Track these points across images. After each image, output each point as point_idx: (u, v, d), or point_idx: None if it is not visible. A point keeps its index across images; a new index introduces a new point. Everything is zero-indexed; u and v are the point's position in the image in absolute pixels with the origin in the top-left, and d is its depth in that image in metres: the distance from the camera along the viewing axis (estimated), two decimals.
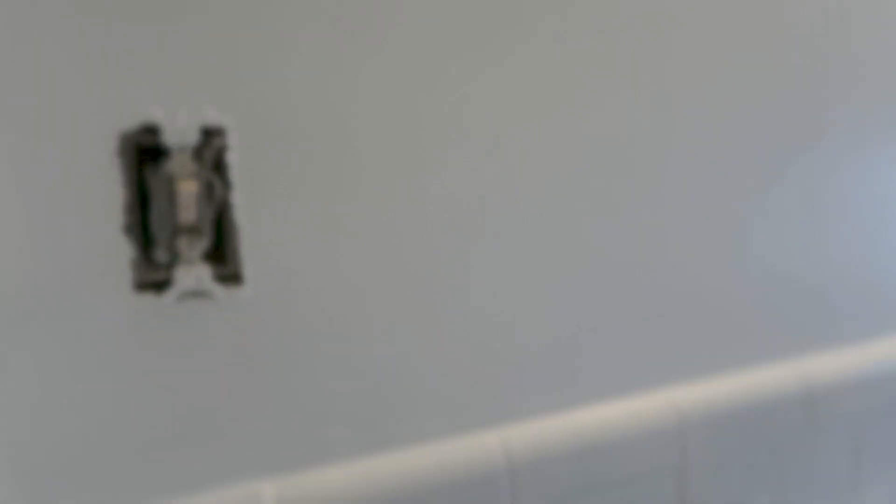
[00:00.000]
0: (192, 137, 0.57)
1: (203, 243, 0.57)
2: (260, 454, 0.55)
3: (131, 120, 0.55)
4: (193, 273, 0.56)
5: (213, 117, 0.57)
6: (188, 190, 0.55)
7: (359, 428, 0.59)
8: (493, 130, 0.67)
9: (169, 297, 0.55)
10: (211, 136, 0.57)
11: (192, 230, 0.56)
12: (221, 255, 0.58)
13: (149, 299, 0.56)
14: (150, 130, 0.56)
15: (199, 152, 0.57)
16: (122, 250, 0.56)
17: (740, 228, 0.78)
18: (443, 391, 0.62)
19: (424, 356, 0.61)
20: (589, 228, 0.69)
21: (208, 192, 0.57)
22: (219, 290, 0.57)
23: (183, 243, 0.56)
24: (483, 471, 0.57)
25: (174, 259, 0.56)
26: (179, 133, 0.56)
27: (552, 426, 0.62)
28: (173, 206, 0.56)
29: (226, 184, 0.58)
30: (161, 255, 0.56)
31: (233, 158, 0.58)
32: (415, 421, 0.60)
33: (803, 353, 0.81)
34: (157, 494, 0.52)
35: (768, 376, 0.75)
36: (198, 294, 0.57)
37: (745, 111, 0.79)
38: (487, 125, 0.66)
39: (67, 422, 0.50)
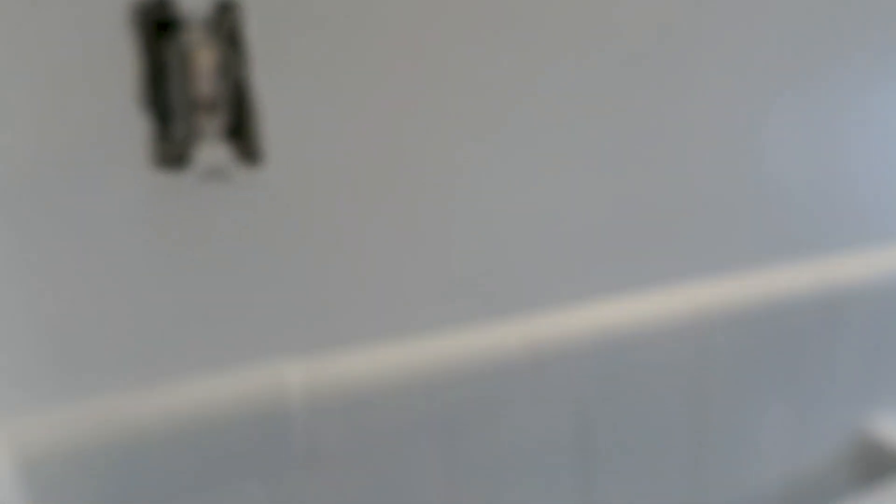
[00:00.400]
0: (207, 9, 0.55)
1: (221, 119, 0.55)
2: (284, 336, 0.55)
3: None
4: (212, 150, 0.55)
5: None
6: (204, 61, 0.54)
7: (381, 313, 0.58)
8: (510, 15, 0.64)
9: (188, 174, 0.54)
10: (226, 10, 0.55)
11: (210, 105, 0.55)
12: (240, 133, 0.57)
13: (167, 177, 0.54)
14: (164, 2, 0.54)
15: (214, 26, 0.55)
16: (138, 126, 0.55)
17: (766, 126, 0.76)
18: (466, 281, 0.61)
19: (446, 243, 0.60)
20: (612, 121, 0.68)
21: (225, 65, 0.55)
22: (238, 169, 0.56)
23: (201, 118, 0.55)
24: (505, 360, 0.57)
25: (192, 135, 0.55)
26: (194, 4, 0.54)
27: (572, 319, 0.61)
28: (189, 79, 0.54)
29: (242, 58, 0.56)
30: (178, 130, 0.55)
31: (249, 33, 0.56)
32: (439, 309, 0.60)
33: (825, 255, 0.80)
34: (180, 372, 0.52)
35: (789, 277, 0.74)
36: (216, 173, 0.56)
37: (770, 14, 0.76)
38: (506, 7, 0.64)
39: (88, 298, 0.50)
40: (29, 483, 0.41)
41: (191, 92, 0.54)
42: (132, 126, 0.54)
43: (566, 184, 0.65)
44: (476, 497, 0.56)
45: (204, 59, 0.54)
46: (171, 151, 0.54)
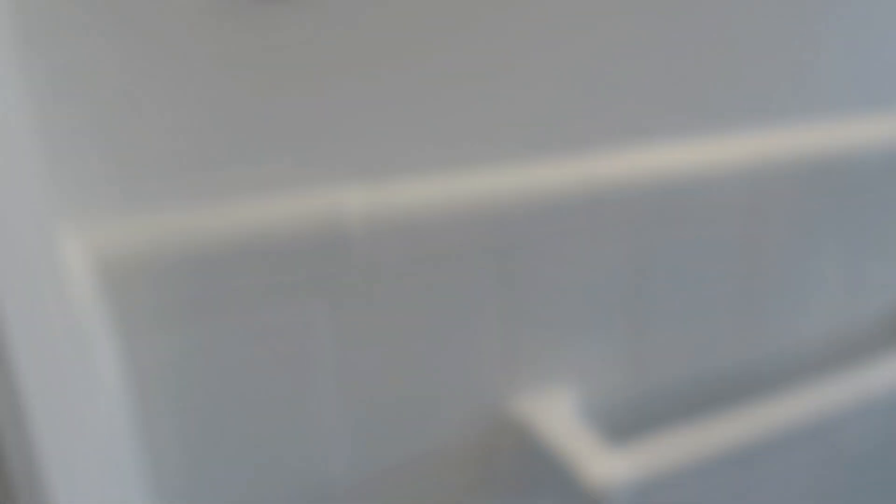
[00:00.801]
0: None
1: None
2: (344, 161, 0.54)
3: None
4: None
5: None
6: None
7: (441, 144, 0.57)
8: None
9: None
10: None
11: None
12: None
13: None
14: None
15: None
16: None
17: None
18: (528, 114, 0.59)
19: (511, 76, 0.58)
20: None
21: None
22: None
23: None
24: (563, 197, 0.56)
25: None
26: None
27: (630, 160, 0.60)
28: None
29: None
30: None
31: None
32: (499, 141, 0.58)
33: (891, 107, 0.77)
34: (243, 193, 0.51)
35: (862, 130, 0.71)
36: None
37: None
38: None
39: (144, 114, 0.49)
40: (104, 287, 0.43)
41: None
42: None
43: (631, 19, 0.63)
44: (528, 326, 0.57)
45: None
46: None
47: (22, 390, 0.26)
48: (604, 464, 0.50)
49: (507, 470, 0.60)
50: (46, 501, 0.27)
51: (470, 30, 0.59)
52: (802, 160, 0.67)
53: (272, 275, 0.48)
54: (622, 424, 0.64)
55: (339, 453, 0.54)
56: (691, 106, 0.65)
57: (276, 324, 0.50)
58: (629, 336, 0.61)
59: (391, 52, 0.57)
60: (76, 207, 0.46)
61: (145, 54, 0.51)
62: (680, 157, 0.61)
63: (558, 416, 0.56)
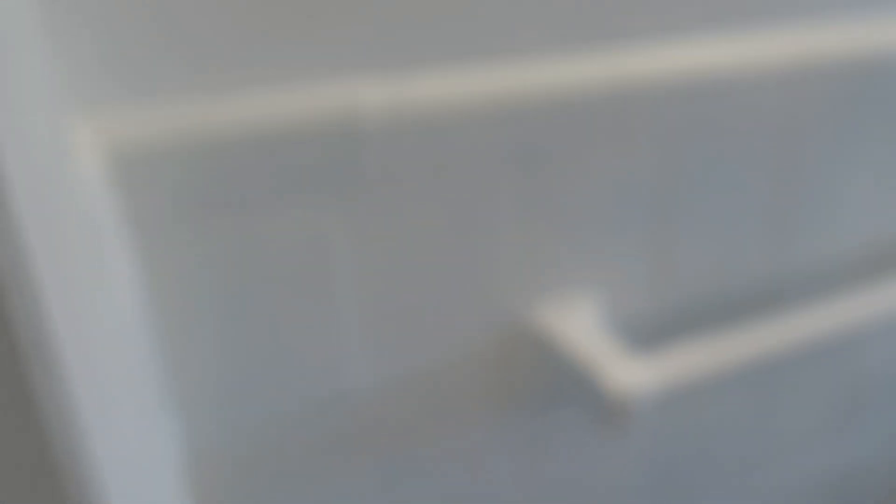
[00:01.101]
0: None
1: None
2: (360, 54, 0.52)
3: None
4: None
5: None
6: None
7: (462, 36, 0.54)
8: None
9: None
10: None
11: None
12: None
13: None
14: None
15: None
16: None
17: None
18: (552, 5, 0.56)
19: None
20: None
21: None
22: None
23: None
24: (588, 96, 0.53)
25: None
26: None
27: (660, 57, 0.56)
28: None
29: None
30: None
31: None
32: (523, 33, 0.55)
33: None
34: (256, 84, 0.49)
35: None
36: None
37: None
38: None
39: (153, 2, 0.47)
40: (116, 177, 0.42)
41: None
42: None
43: None
44: (550, 232, 0.55)
45: None
46: None
47: (33, 272, 0.25)
48: (626, 372, 0.49)
49: (528, 378, 0.59)
50: (61, 385, 0.26)
51: None
52: (842, 62, 0.64)
53: (286, 172, 0.47)
54: (646, 335, 0.63)
55: (357, 362, 0.53)
56: None
57: (292, 226, 0.48)
58: (655, 245, 0.59)
59: None
60: (86, 99, 0.45)
61: None
62: (713, 56, 0.57)
63: (580, 325, 0.55)
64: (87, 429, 0.28)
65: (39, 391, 0.26)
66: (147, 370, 0.45)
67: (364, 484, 0.57)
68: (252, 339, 0.50)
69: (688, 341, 0.64)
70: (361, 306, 0.52)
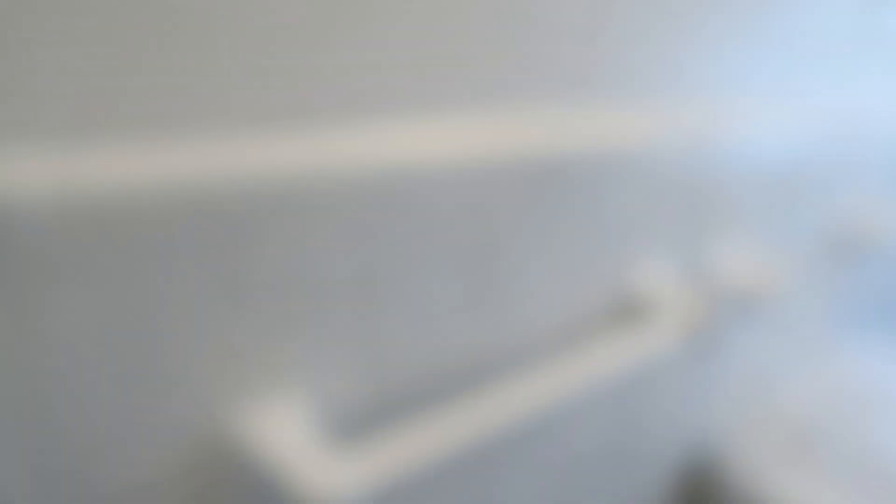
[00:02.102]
0: None
1: None
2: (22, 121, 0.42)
3: None
4: None
5: None
6: None
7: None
8: None
9: None
10: None
11: None
12: None
13: None
14: None
15: None
16: None
17: None
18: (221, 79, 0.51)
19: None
20: None
21: None
22: None
23: None
24: (275, 177, 0.50)
25: None
26: None
27: (350, 141, 0.54)
28: None
29: None
30: None
31: None
32: (198, 109, 0.49)
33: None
34: None
35: (581, 122, 0.71)
36: None
37: None
38: None
39: None
40: None
41: None
42: None
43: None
44: (243, 326, 0.51)
45: None
46: None
47: None
48: (327, 475, 0.46)
49: (229, 498, 0.53)
50: None
51: None
52: (526, 157, 0.69)
53: None
54: (364, 423, 0.60)
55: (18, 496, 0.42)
56: (419, 85, 0.62)
57: None
58: (361, 329, 0.57)
59: None
60: None
61: None
62: (404, 141, 0.58)
63: (284, 426, 0.51)
64: None
65: None
66: None
67: None
68: None
69: (402, 428, 0.62)
70: (20, 432, 0.41)
